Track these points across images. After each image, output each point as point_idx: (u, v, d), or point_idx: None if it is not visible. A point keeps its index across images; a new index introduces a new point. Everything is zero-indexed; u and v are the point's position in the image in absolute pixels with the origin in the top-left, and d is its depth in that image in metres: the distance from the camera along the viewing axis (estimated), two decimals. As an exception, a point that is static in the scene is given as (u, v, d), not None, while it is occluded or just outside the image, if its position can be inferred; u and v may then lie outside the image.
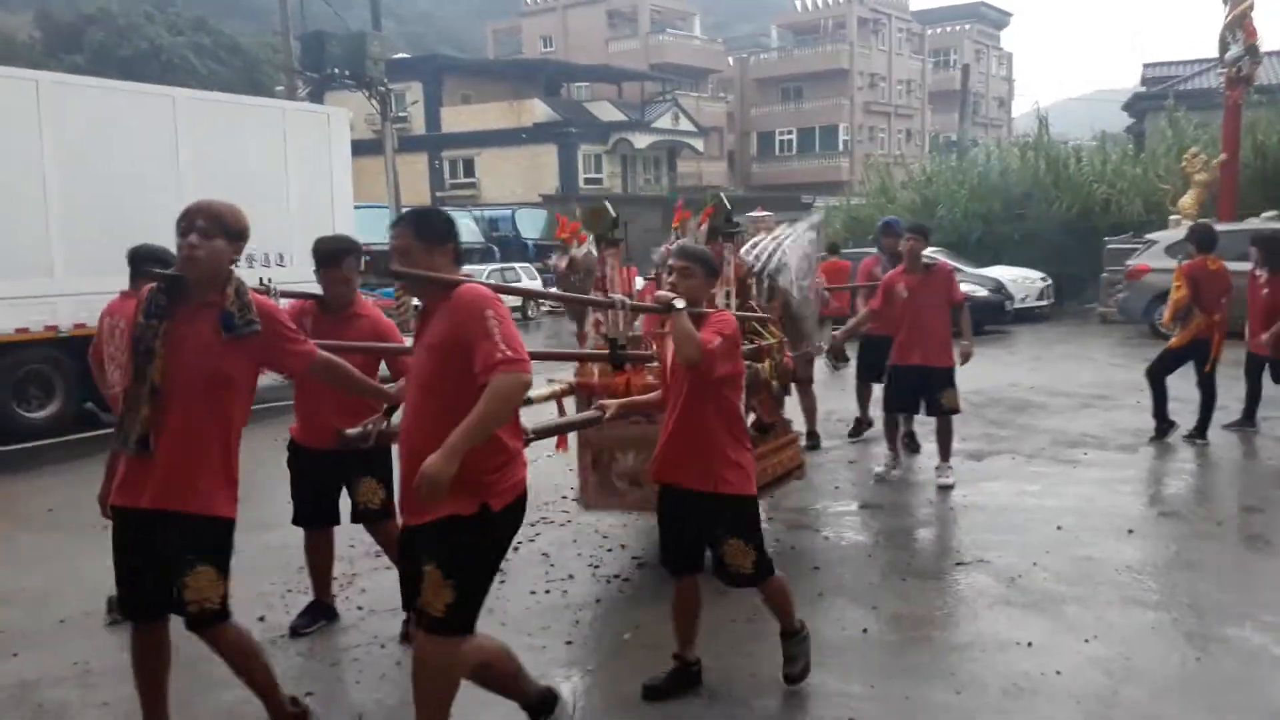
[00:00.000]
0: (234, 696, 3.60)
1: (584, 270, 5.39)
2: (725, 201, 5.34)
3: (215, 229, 3.17)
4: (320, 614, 4.55)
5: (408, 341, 3.68)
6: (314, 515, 4.44)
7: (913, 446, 7.53)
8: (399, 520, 3.17)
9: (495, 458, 2.96)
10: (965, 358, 6.61)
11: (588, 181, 39.53)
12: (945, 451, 6.66)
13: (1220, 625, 4.25)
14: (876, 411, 7.45)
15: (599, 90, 47.04)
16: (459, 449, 2.74)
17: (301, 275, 6.66)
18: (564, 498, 6.62)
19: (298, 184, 12.06)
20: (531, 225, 34.27)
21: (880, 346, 7.05)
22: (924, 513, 6.17)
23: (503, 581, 5.02)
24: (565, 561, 5.34)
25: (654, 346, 4.45)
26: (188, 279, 3.16)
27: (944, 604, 4.61)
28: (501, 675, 3.24)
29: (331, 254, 4.23)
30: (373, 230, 21.01)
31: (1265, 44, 16.55)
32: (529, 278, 26.46)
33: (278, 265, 11.37)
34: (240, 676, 3.26)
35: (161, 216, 11.21)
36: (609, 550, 5.51)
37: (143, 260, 4.41)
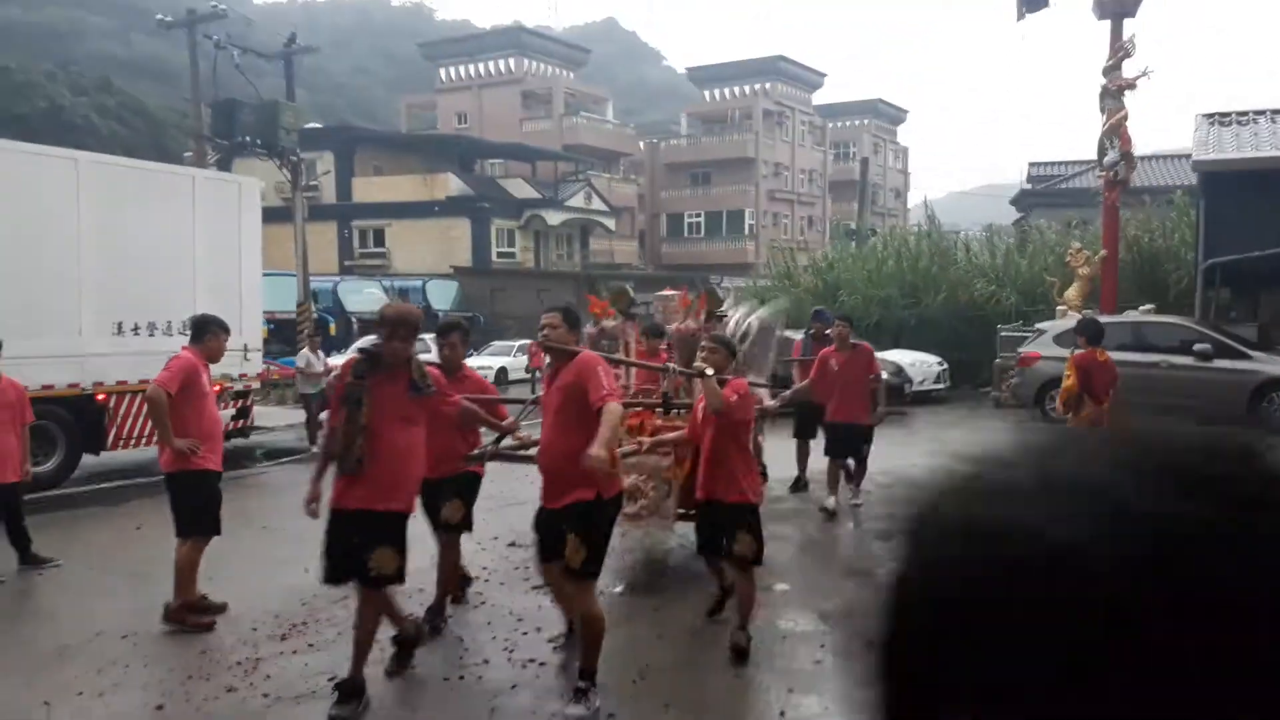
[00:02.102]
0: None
1: (611, 338, 7.00)
2: (718, 292, 7.79)
3: (408, 334, 4.55)
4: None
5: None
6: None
7: (848, 477, 8.76)
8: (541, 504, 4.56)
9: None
10: (880, 419, 8.56)
11: (500, 255, 39.64)
12: (859, 480, 8.67)
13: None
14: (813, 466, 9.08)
15: (513, 168, 47.55)
16: (607, 443, 4.12)
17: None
18: (476, 578, 6.53)
19: (205, 252, 11.83)
20: (442, 296, 34.12)
21: (811, 412, 8.82)
22: (837, 593, 6.27)
23: (416, 666, 4.92)
24: (480, 645, 5.25)
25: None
26: (387, 359, 4.55)
27: (860, 684, 4.67)
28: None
29: (444, 328, 5.71)
30: (279, 299, 20.70)
31: (1139, 149, 17.84)
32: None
33: (180, 334, 11.07)
34: (388, 613, 4.66)
35: (58, 280, 10.96)
36: (524, 634, 5.44)
37: (209, 323, 5.89)
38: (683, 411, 6.40)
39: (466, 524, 5.66)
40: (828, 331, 8.87)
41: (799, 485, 9.44)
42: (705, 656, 5.11)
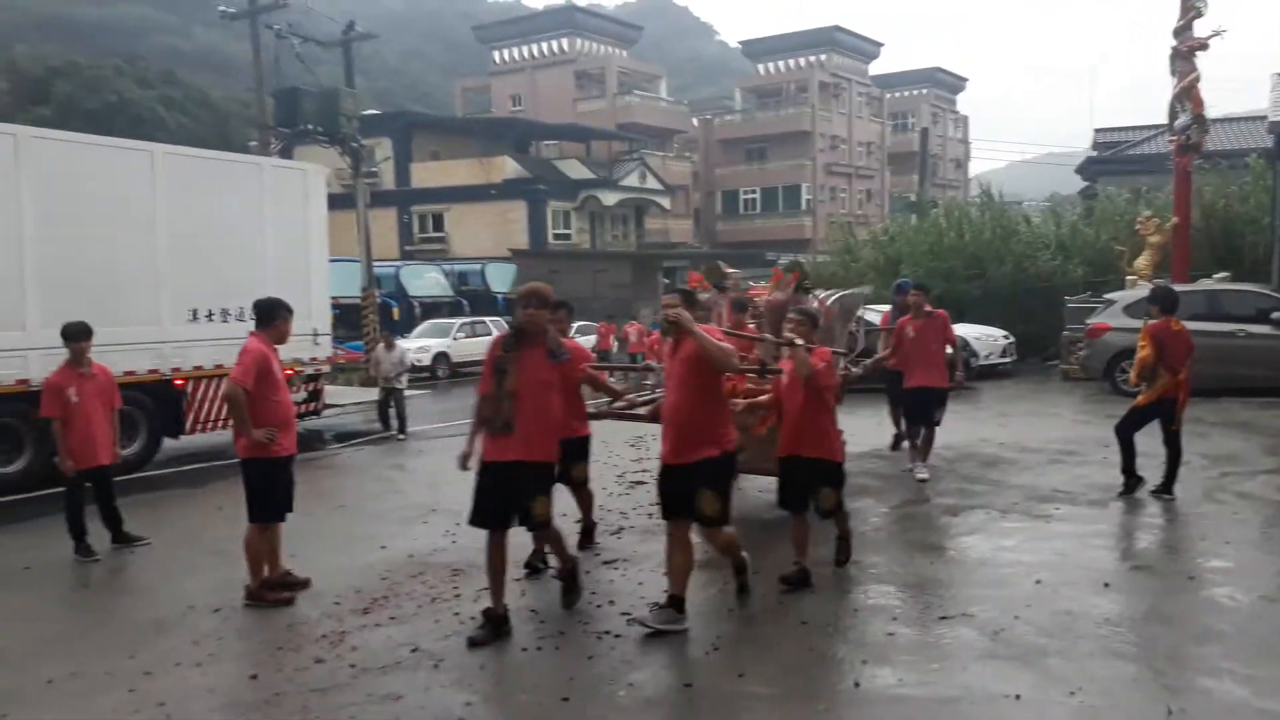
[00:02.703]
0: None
1: (705, 309, 7.15)
2: (805, 267, 8.53)
3: (540, 303, 5.16)
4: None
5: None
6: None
7: (916, 453, 9.00)
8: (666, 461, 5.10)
9: (724, 426, 5.13)
10: (959, 383, 9.19)
11: (556, 237, 39.85)
12: (926, 451, 8.89)
13: (1200, 678, 4.37)
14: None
15: (568, 149, 47.66)
16: (711, 346, 4.86)
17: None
18: (547, 552, 6.64)
19: (274, 239, 12.11)
20: (501, 279, 34.40)
21: (898, 378, 9.13)
22: (905, 566, 6.27)
23: (495, 637, 5.04)
24: (554, 617, 5.36)
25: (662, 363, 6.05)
26: (526, 329, 5.13)
27: (931, 658, 4.69)
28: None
29: (555, 305, 5.70)
30: (343, 284, 21.07)
31: (1212, 112, 17.27)
32: (500, 331, 26.49)
33: (252, 320, 11.35)
34: (554, 548, 5.53)
35: (137, 270, 11.34)
36: (598, 606, 5.53)
37: (277, 307, 6.03)
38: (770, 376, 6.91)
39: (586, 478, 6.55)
40: (908, 301, 9.24)
41: (898, 443, 9.97)
42: (777, 629, 5.15)
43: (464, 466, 5.21)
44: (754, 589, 5.61)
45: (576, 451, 6.30)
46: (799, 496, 5.80)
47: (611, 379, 7.07)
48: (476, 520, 5.14)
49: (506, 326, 5.39)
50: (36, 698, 4.51)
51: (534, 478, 5.10)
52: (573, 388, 5.95)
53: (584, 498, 6.71)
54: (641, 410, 6.61)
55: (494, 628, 5.06)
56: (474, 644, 4.95)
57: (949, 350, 9.06)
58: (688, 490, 4.98)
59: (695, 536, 5.21)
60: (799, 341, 5.62)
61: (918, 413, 8.94)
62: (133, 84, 50.29)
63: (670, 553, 5.17)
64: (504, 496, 5.06)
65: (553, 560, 5.80)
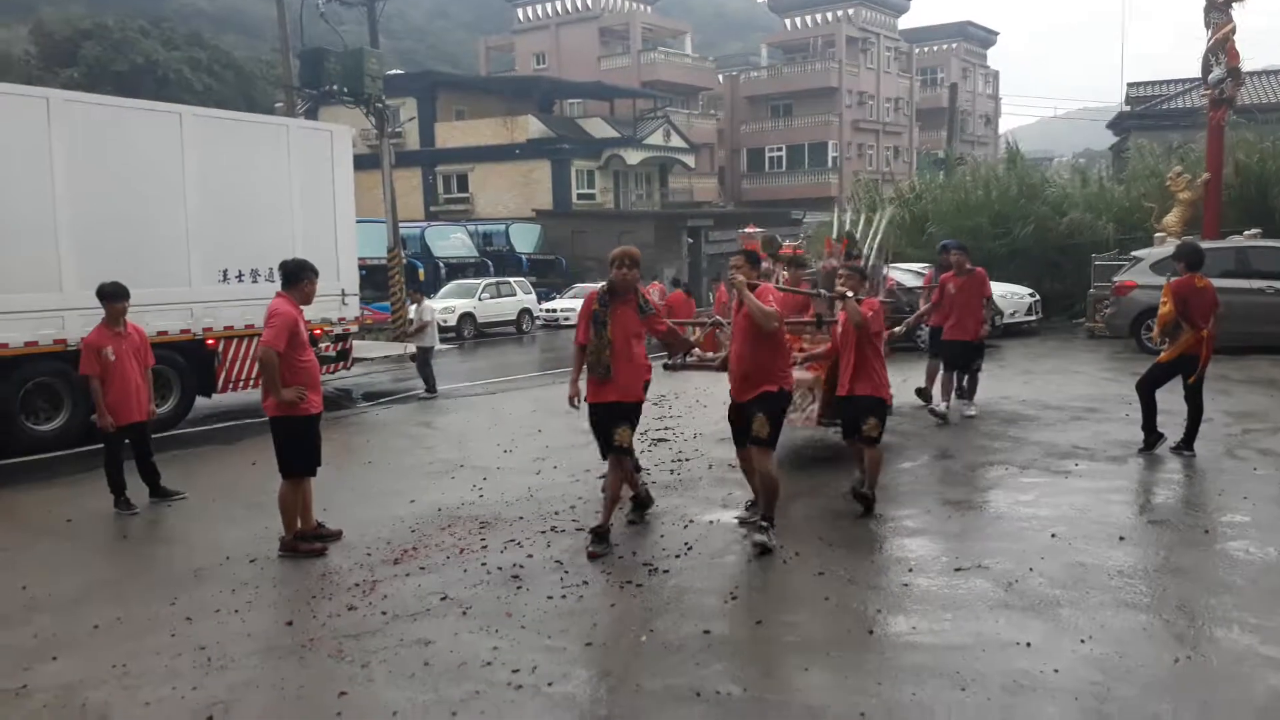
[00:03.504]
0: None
1: (767, 273, 7.73)
2: (855, 235, 9.55)
3: (631, 264, 5.93)
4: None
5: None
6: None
7: (958, 393, 10.03)
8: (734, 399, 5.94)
9: (782, 365, 5.88)
10: (984, 335, 9.84)
11: (580, 197, 39.75)
12: (973, 393, 9.90)
13: (1209, 627, 4.45)
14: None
15: (591, 107, 47.35)
16: (755, 308, 5.64)
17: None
18: (572, 508, 6.81)
19: (301, 200, 12.24)
20: (525, 240, 34.48)
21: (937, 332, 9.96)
22: (923, 519, 6.37)
23: (520, 588, 5.21)
24: (578, 568, 5.51)
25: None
26: (619, 287, 5.89)
27: (946, 606, 4.80)
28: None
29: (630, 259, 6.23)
30: (369, 245, 21.24)
31: (1246, 66, 16.92)
32: (524, 291, 26.61)
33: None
34: (628, 479, 6.22)
35: (168, 231, 11.51)
36: (620, 557, 5.69)
37: (303, 268, 6.14)
38: (826, 328, 7.84)
39: (631, 449, 6.65)
40: (951, 259, 9.86)
41: (923, 393, 10.13)
42: (795, 579, 5.28)
43: (573, 405, 6.12)
44: (781, 529, 5.75)
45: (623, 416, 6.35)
46: (855, 427, 6.58)
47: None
48: (605, 453, 6.03)
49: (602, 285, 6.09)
50: (84, 641, 4.73)
51: (623, 413, 5.91)
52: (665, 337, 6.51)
53: (627, 467, 6.59)
54: (713, 361, 7.47)
55: (602, 541, 5.84)
56: (592, 557, 5.70)
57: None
58: (749, 420, 5.77)
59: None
60: (849, 294, 6.45)
61: (959, 361, 9.73)
62: (159, 46, 50.39)
63: (747, 471, 6.12)
64: (605, 430, 5.92)
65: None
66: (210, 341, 11.33)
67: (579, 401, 6.08)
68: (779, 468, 6.05)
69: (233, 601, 5.19)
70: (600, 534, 5.84)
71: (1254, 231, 15.35)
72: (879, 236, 9.89)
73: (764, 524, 5.76)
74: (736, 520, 6.37)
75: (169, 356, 10.72)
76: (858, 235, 9.62)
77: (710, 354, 7.75)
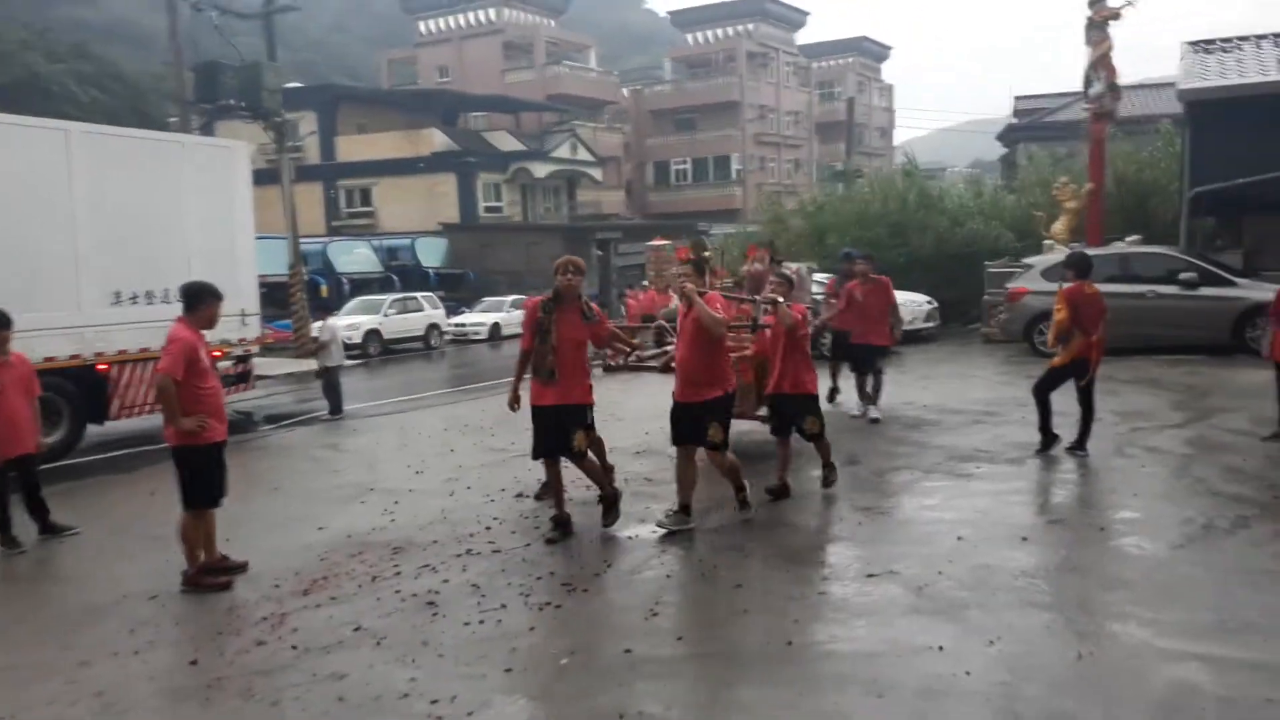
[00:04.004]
0: None
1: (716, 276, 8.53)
2: (775, 243, 10.54)
3: (575, 271, 6.27)
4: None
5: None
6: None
7: (868, 400, 10.30)
8: (679, 398, 6.27)
9: (726, 368, 6.33)
10: (898, 337, 10.47)
11: (488, 210, 39.45)
12: (877, 395, 10.25)
13: (1107, 623, 4.65)
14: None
15: (497, 120, 47.11)
16: (705, 314, 5.95)
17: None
18: (487, 529, 6.73)
19: (198, 218, 11.86)
20: (432, 254, 34.03)
21: (843, 337, 10.50)
22: (835, 527, 6.50)
23: (436, 615, 5.12)
24: (496, 591, 5.44)
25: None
26: (564, 293, 6.22)
27: (860, 613, 4.90)
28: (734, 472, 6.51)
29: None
30: (269, 262, 20.66)
31: (1129, 79, 17.81)
32: (432, 306, 26.24)
33: (177, 302, 11.08)
34: (592, 477, 6.50)
35: (54, 252, 10.99)
36: (538, 578, 5.63)
37: (202, 292, 5.91)
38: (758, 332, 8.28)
39: (586, 452, 6.78)
40: (856, 269, 10.37)
41: (833, 395, 10.90)
42: (714, 592, 5.32)
43: (513, 409, 6.44)
44: (688, 559, 5.77)
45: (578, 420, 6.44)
46: (785, 425, 7.16)
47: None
48: (536, 454, 6.37)
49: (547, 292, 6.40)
50: (-30, 691, 4.47)
51: (573, 417, 6.21)
52: (609, 341, 6.89)
53: (589, 467, 6.60)
54: (654, 363, 8.06)
55: (562, 528, 6.32)
56: (550, 542, 6.18)
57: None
58: (697, 422, 6.17)
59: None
60: (780, 300, 6.86)
61: (864, 364, 10.26)
62: (41, 58, 48.06)
63: (680, 471, 6.41)
64: (553, 433, 6.21)
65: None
66: (102, 366, 10.85)
67: (519, 406, 6.37)
68: (698, 470, 6.51)
69: (132, 642, 4.97)
70: (560, 521, 6.36)
71: (1134, 238, 16.14)
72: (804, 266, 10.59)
73: (741, 496, 6.51)
74: (656, 524, 6.46)
75: (57, 383, 10.23)
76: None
77: (650, 356, 8.37)
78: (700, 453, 6.39)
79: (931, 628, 4.65)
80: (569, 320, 6.22)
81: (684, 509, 6.40)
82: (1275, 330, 8.42)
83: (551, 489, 6.53)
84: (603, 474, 6.66)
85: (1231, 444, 8.31)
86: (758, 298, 7.93)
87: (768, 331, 7.34)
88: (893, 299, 10.35)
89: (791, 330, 6.91)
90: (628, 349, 7.49)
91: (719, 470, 6.47)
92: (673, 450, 6.59)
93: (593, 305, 6.51)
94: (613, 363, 7.59)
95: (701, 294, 6.15)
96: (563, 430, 6.19)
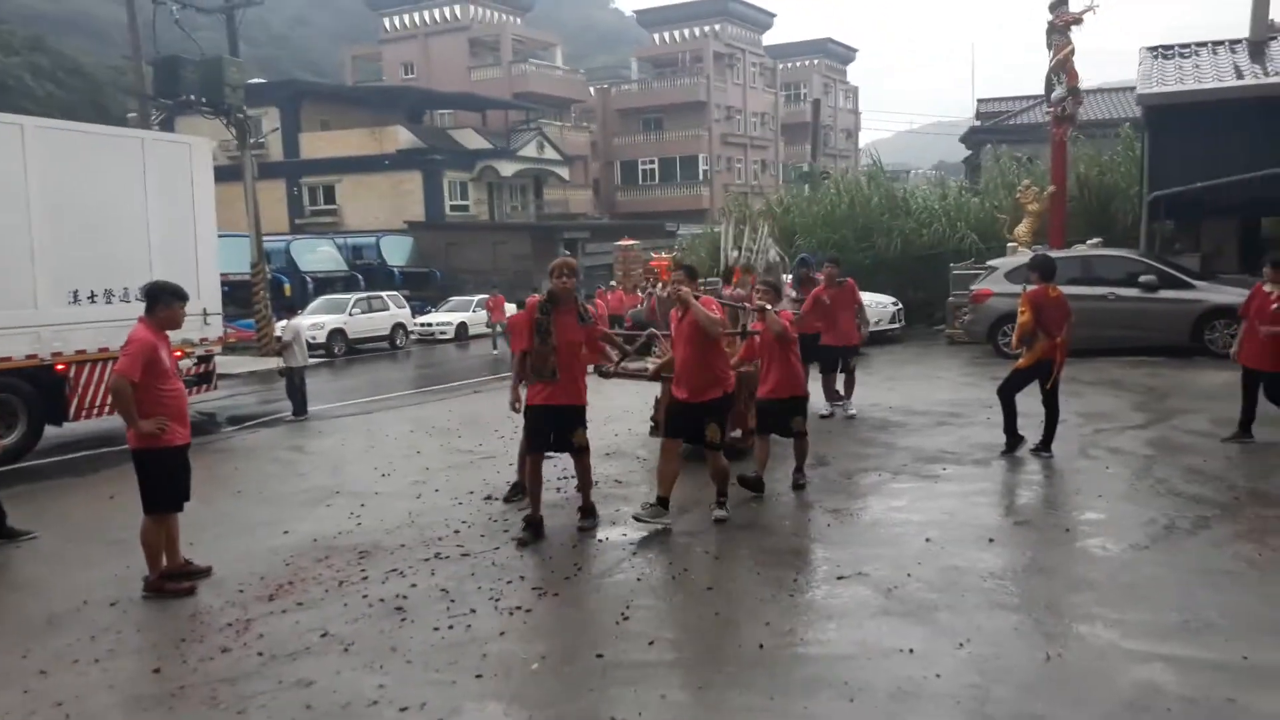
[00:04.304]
0: None
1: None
2: (752, 264, 10.02)
3: (570, 274, 6.39)
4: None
5: None
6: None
7: (834, 397, 10.64)
8: (680, 397, 6.47)
9: (724, 367, 6.57)
10: (865, 337, 10.81)
11: (454, 208, 39.21)
12: (849, 393, 10.66)
13: (1075, 624, 4.70)
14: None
15: (463, 118, 46.84)
16: (703, 316, 6.22)
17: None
18: (456, 532, 6.67)
19: (159, 216, 11.66)
20: (397, 252, 33.75)
21: (810, 340, 10.10)
22: (804, 530, 6.51)
23: (405, 620, 5.07)
24: (465, 596, 5.39)
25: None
26: (560, 295, 6.33)
27: (830, 616, 4.91)
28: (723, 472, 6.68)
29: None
30: (232, 260, 20.37)
31: (1091, 82, 18.07)
32: (397, 305, 26.02)
33: (137, 300, 10.89)
34: (581, 479, 6.64)
35: (10, 250, 10.76)
36: (508, 582, 5.59)
37: (162, 292, 5.81)
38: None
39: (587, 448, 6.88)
40: (815, 275, 10.73)
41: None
42: (685, 596, 5.31)
43: (514, 409, 6.64)
44: (658, 563, 5.76)
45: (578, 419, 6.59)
46: (770, 425, 7.40)
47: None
48: (530, 448, 6.50)
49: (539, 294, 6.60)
50: (-77, 703, 4.35)
51: (573, 415, 6.42)
52: (601, 343, 6.99)
53: (585, 466, 6.71)
54: (645, 371, 8.23)
55: (534, 530, 6.40)
56: (521, 544, 6.25)
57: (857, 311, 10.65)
58: (697, 422, 6.42)
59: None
60: (769, 307, 7.12)
61: (833, 365, 10.53)
62: (-6, 50, 47.14)
63: (662, 464, 6.58)
64: (548, 431, 6.39)
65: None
66: (60, 367, 10.63)
67: (520, 406, 6.54)
68: (682, 462, 6.78)
69: (93, 650, 4.86)
70: (533, 523, 6.44)
71: (1095, 241, 16.38)
72: (759, 250, 10.56)
73: (721, 499, 6.64)
74: (633, 516, 6.61)
75: (14, 384, 10.03)
76: (742, 253, 10.40)
77: (646, 363, 8.50)
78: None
79: (902, 630, 4.68)
80: (566, 322, 6.36)
81: (661, 502, 6.54)
82: (1244, 331, 8.51)
83: (527, 490, 6.63)
84: (590, 480, 6.76)
85: (1192, 445, 8.45)
86: (746, 304, 8.16)
87: (757, 338, 7.46)
88: (859, 300, 10.62)
89: (780, 336, 7.12)
90: (618, 354, 7.57)
91: (711, 470, 6.62)
92: (642, 451, 6.62)
93: (588, 307, 6.72)
94: (607, 369, 7.66)
95: (696, 298, 6.37)
96: (562, 428, 6.37)
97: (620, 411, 10.96)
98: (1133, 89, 18.59)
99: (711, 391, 6.39)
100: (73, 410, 10.80)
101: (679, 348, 6.52)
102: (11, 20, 52.66)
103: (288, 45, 76.02)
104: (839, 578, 5.45)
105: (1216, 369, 12.56)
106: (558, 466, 8.40)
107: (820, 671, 4.28)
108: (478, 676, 4.36)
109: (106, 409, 10.90)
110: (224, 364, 14.36)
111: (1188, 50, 18.06)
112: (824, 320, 10.28)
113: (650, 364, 8.47)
